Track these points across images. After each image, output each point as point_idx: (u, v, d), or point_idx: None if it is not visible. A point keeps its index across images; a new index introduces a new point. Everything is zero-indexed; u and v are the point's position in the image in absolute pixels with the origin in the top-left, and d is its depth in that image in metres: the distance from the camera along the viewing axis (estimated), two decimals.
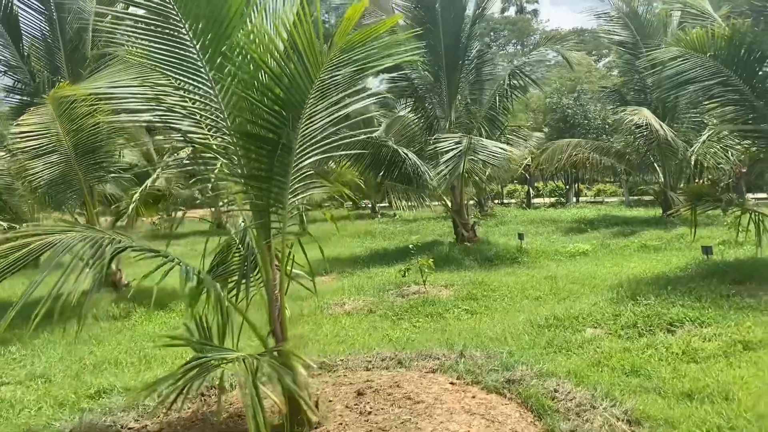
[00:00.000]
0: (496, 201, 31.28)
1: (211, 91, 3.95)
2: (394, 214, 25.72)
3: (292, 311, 8.89)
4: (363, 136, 11.44)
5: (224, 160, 4.16)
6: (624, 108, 16.15)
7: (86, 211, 9.95)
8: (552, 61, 48.33)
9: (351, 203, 37.11)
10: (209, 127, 4.17)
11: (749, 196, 22.30)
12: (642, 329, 6.35)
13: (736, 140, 10.01)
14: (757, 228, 8.44)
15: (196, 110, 4.07)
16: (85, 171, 9.43)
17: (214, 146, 4.24)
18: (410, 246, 10.00)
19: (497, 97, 13.50)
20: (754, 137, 8.91)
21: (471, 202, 26.76)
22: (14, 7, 10.29)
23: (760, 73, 8.48)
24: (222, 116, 3.99)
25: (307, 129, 3.96)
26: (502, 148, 11.96)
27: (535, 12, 71.03)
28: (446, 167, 11.90)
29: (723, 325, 6.20)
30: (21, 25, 10.47)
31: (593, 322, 6.78)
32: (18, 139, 8.32)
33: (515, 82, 13.54)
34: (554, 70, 39.48)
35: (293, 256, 4.58)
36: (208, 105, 4.03)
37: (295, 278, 4.74)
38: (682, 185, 17.30)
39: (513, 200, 32.39)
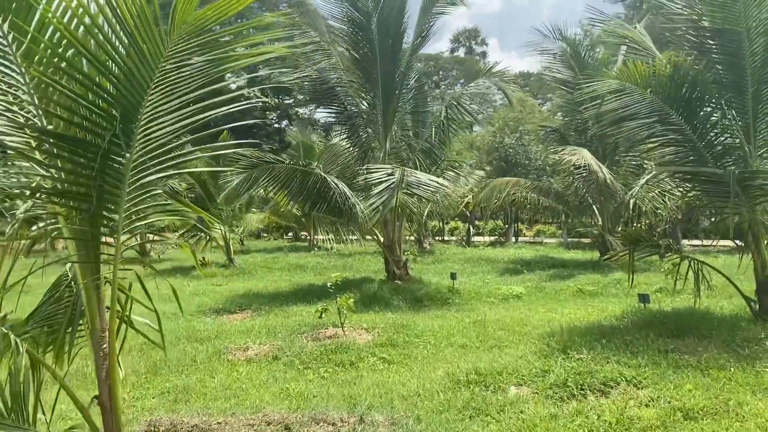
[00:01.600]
0: (437, 238, 30.76)
1: (21, 79, 3.01)
2: (331, 248, 24.74)
3: (187, 355, 7.88)
4: (249, 151, 10.58)
5: (43, 172, 3.19)
6: (563, 148, 15.80)
7: None
8: (498, 102, 48.85)
9: (290, 234, 36.14)
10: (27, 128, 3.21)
11: (685, 242, 22.36)
12: (572, 389, 5.58)
13: (675, 184, 9.55)
14: (696, 277, 7.90)
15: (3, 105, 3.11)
16: None
17: (37, 154, 3.27)
18: (329, 284, 9.04)
19: (433, 129, 12.87)
20: (694, 180, 8.44)
21: (411, 237, 26.15)
22: None
23: (701, 113, 8.04)
24: (36, 113, 3.05)
25: (148, 135, 3.05)
26: (436, 182, 11.25)
27: (483, 54, 72.47)
28: (378, 200, 11.11)
29: (661, 387, 5.49)
30: None
31: (519, 379, 5.98)
32: None
33: (452, 114, 12.96)
34: (500, 110, 39.74)
35: (131, 301, 3.59)
36: (20, 99, 3.08)
37: (136, 326, 3.72)
38: (619, 229, 17.03)
39: (454, 237, 31.93)
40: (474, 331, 8.79)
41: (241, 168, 11.27)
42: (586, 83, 8.15)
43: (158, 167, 3.15)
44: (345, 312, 8.71)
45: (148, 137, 3.05)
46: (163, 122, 3.06)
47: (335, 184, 11.46)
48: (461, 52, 72.13)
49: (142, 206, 3.25)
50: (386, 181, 11.11)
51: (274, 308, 11.25)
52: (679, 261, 8.20)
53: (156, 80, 2.90)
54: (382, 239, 13.38)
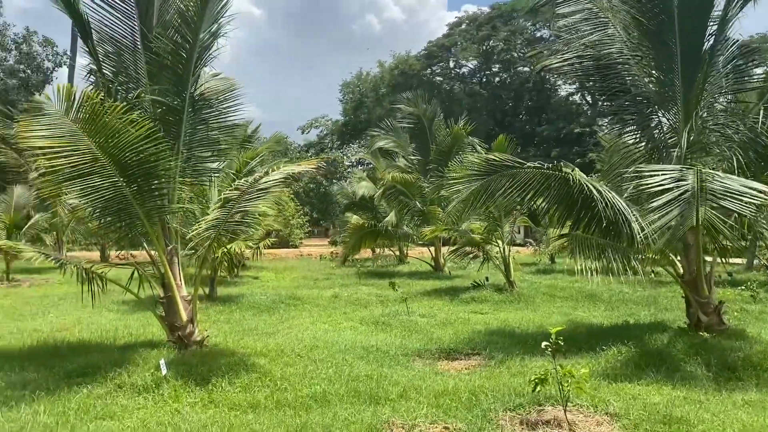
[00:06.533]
0: None
1: None
2: (653, 273, 20.18)
3: (336, 423, 5.85)
4: None
5: None
6: None
7: (158, 250, 8.16)
8: None
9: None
10: None
11: None
12: None
13: None
14: None
15: None
16: (141, 199, 7.66)
17: None
18: (543, 345, 5.99)
19: (762, 111, 8.64)
20: None
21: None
22: None
23: None
24: None
25: None
26: (755, 189, 7.27)
27: None
28: (661, 215, 7.68)
29: None
30: None
31: None
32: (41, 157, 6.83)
33: None
34: None
35: None
36: None
37: None
38: None
39: None
40: None
41: (471, 175, 8.93)
42: None
43: None
44: (568, 387, 5.74)
45: None
46: None
47: (597, 192, 8.28)
48: None
49: None
50: (675, 188, 7.60)
51: (510, 357, 8.59)
52: None
53: None
54: (681, 271, 9.57)
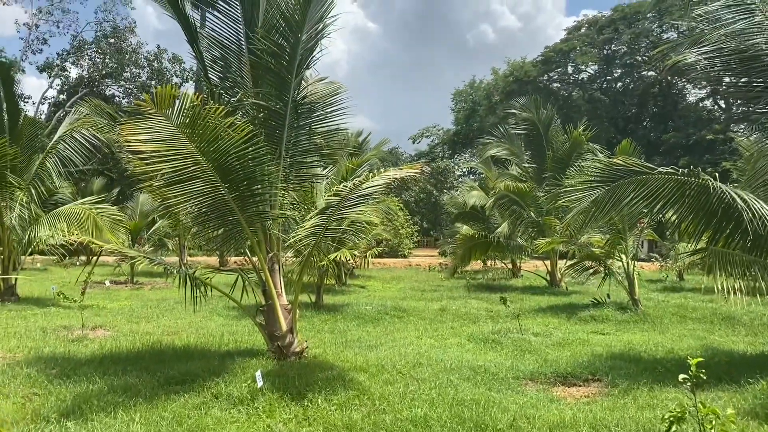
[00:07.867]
0: None
1: None
2: None
3: None
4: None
5: None
6: None
7: (258, 257, 7.99)
8: None
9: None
10: None
11: None
12: None
13: None
14: None
15: None
16: (242, 205, 7.50)
17: None
18: (686, 376, 5.04)
19: None
20: None
21: None
22: None
23: None
24: None
25: None
26: None
27: None
28: None
29: None
30: None
31: None
32: (142, 159, 6.81)
33: None
34: None
35: None
36: None
37: None
38: None
39: None
40: None
41: (592, 182, 8.08)
42: None
43: None
44: (715, 430, 4.83)
45: None
46: None
47: (742, 201, 7.20)
48: None
49: None
50: None
51: (637, 386, 7.61)
52: None
53: None
54: None
